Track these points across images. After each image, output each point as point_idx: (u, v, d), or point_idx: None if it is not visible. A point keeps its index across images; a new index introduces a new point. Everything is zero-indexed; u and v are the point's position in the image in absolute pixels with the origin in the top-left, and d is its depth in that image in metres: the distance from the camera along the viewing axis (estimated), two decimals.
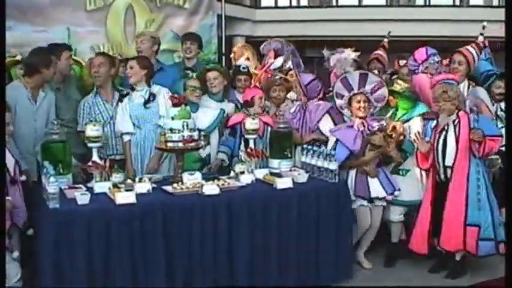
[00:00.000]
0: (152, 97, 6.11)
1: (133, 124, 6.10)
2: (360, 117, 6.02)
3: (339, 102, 6.23)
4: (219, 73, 6.52)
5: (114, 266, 4.68)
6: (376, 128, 5.90)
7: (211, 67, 6.69)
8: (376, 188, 5.92)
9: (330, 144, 6.06)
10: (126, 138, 6.13)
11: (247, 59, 7.16)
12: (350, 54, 6.64)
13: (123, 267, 4.70)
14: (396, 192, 5.96)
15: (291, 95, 6.66)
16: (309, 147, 5.82)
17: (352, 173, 5.96)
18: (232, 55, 7.44)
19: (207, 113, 6.31)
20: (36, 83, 5.87)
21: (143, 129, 6.10)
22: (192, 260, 4.94)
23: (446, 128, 5.75)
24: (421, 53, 6.72)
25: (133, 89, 6.20)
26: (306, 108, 6.45)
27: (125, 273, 4.71)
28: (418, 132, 5.80)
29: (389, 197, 5.95)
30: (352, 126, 6.03)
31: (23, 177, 5.10)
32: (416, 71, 6.62)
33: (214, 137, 6.33)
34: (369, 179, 5.92)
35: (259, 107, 6.26)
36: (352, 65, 6.51)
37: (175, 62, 8.13)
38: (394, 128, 5.89)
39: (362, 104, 6.03)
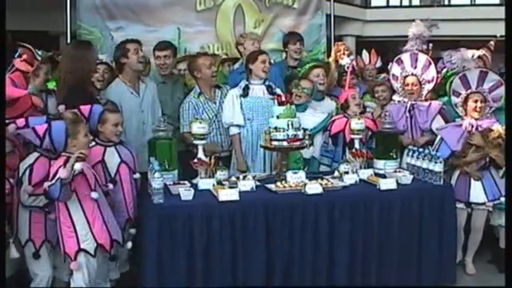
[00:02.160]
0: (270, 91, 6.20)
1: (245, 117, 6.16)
2: (474, 118, 5.87)
3: (454, 99, 6.11)
4: (325, 70, 6.51)
5: (215, 262, 4.76)
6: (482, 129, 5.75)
7: (318, 64, 6.69)
8: (476, 192, 5.75)
9: (435, 143, 5.96)
10: (234, 130, 6.18)
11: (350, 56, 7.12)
12: (475, 52, 6.55)
13: (223, 263, 4.76)
14: (502, 199, 5.65)
15: (396, 97, 6.58)
16: (414, 148, 5.72)
17: (456, 173, 5.81)
18: (333, 54, 7.39)
19: (314, 114, 6.31)
20: (129, 76, 6.05)
21: (254, 123, 6.14)
22: (292, 259, 4.95)
23: None
24: None
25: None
26: (415, 109, 6.35)
27: (224, 270, 4.78)
28: None
29: (490, 204, 5.73)
30: (460, 126, 5.90)
31: (137, 175, 5.27)
32: None
33: (319, 138, 6.32)
34: (472, 182, 5.75)
35: (355, 105, 6.20)
36: (477, 62, 6.41)
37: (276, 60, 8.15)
38: (490, 129, 5.70)
39: (478, 104, 5.88)
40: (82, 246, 4.51)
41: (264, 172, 5.97)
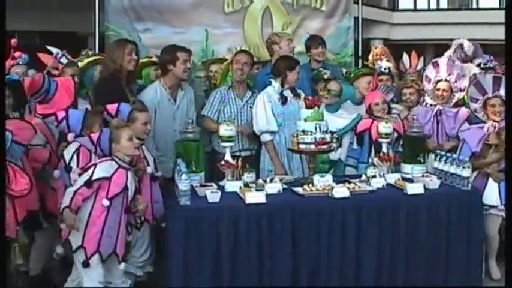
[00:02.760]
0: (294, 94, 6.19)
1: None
2: (496, 121, 5.85)
3: (473, 106, 6.12)
4: (372, 78, 6.52)
5: (241, 264, 4.76)
6: None
7: (367, 71, 6.72)
8: (491, 194, 5.68)
9: (459, 146, 5.95)
10: (267, 137, 6.16)
11: (388, 60, 7.09)
12: None
13: (249, 266, 4.76)
14: None
15: (428, 99, 6.54)
16: (442, 153, 5.68)
17: (473, 175, 5.71)
18: (370, 56, 7.36)
19: (342, 115, 6.30)
20: (171, 82, 6.02)
21: (286, 128, 6.12)
22: (318, 262, 4.93)
23: None
24: None
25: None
26: (442, 114, 6.30)
27: (251, 272, 4.77)
28: None
29: (501, 207, 5.63)
30: (482, 128, 5.90)
31: (159, 173, 5.28)
32: None
33: (347, 140, 6.31)
34: (489, 184, 5.70)
35: (379, 111, 6.18)
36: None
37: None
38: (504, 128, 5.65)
39: (497, 108, 5.89)
40: (100, 249, 4.61)
41: (302, 176, 5.95)
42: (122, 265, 4.80)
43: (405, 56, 7.83)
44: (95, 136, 4.65)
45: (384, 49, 7.66)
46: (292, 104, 6.17)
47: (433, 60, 6.61)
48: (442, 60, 6.58)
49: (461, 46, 6.87)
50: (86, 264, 4.57)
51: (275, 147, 6.15)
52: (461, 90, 6.41)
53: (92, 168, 4.52)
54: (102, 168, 4.52)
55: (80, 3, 8.82)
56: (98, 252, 4.58)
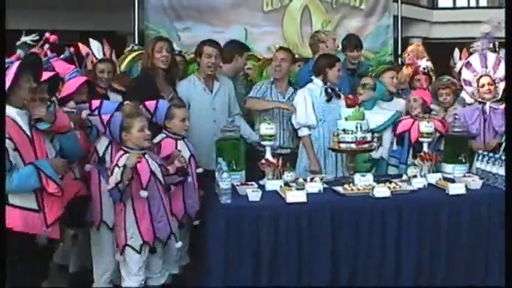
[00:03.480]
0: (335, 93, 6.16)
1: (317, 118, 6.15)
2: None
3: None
4: (397, 73, 6.46)
5: (280, 262, 4.74)
6: None
7: (391, 66, 6.64)
8: None
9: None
10: (305, 131, 6.18)
11: (428, 59, 7.03)
12: None
13: (289, 264, 4.75)
14: None
15: (467, 97, 6.47)
16: (484, 153, 5.61)
17: None
18: (406, 55, 7.29)
19: (382, 112, 6.27)
20: (204, 74, 6.08)
21: (325, 124, 6.13)
22: (358, 261, 4.90)
23: None
24: None
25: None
26: (490, 112, 6.21)
27: (290, 271, 4.76)
28: None
29: None
30: None
31: (200, 170, 5.31)
32: None
33: (387, 137, 6.28)
34: None
35: (415, 109, 6.13)
36: None
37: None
38: None
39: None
40: (128, 242, 4.67)
41: (336, 174, 5.95)
42: (179, 244, 4.94)
43: (456, 51, 7.66)
44: (105, 117, 4.73)
45: (422, 48, 7.55)
46: (332, 102, 6.15)
47: (465, 61, 6.50)
48: (473, 58, 6.48)
49: (484, 34, 6.71)
50: (154, 250, 4.76)
51: (312, 142, 6.16)
52: (501, 80, 6.27)
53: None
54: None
55: (119, 3, 8.88)
56: (157, 239, 4.73)
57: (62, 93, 5.11)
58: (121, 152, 4.68)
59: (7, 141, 3.99)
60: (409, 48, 7.44)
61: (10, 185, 3.98)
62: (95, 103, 4.94)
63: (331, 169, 6.11)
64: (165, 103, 5.19)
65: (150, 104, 5.08)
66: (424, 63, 6.91)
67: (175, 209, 5.09)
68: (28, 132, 4.20)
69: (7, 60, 4.21)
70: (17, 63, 4.13)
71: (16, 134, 4.10)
